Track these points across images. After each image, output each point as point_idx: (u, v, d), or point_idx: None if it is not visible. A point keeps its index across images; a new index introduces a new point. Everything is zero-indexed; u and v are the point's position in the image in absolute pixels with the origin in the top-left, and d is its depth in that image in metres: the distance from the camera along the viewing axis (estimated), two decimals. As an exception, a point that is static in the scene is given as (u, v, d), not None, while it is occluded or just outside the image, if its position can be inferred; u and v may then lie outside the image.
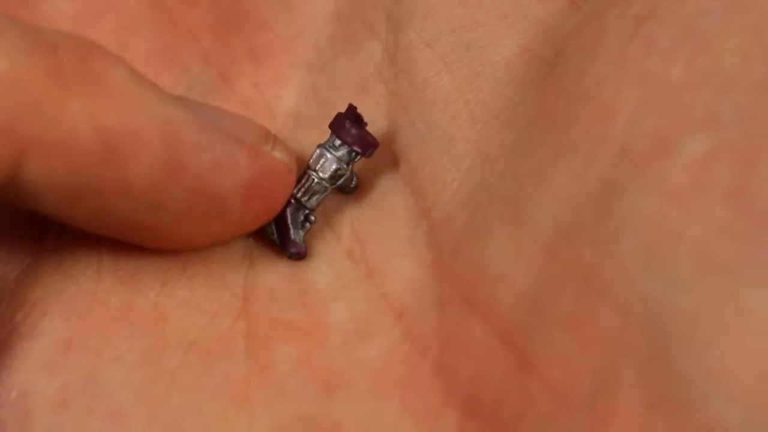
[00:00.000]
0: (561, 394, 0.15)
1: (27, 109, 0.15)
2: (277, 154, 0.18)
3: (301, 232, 0.19)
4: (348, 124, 0.19)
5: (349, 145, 0.19)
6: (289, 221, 0.19)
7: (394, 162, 0.19)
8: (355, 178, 0.19)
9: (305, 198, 0.19)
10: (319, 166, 0.19)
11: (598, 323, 0.15)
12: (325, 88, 0.20)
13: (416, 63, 0.19)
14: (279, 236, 0.19)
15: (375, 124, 0.19)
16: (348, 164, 0.19)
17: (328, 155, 0.19)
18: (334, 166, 0.19)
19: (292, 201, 0.19)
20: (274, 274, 0.19)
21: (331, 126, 0.19)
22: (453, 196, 0.18)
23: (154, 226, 0.17)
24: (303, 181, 0.19)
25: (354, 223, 0.19)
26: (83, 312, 0.18)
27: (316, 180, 0.19)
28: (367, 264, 0.18)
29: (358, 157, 0.19)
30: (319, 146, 0.19)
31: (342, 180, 0.19)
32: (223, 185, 0.17)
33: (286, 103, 0.20)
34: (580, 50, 0.17)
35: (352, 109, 0.19)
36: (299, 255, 0.19)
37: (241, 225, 0.18)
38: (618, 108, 0.16)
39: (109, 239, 0.19)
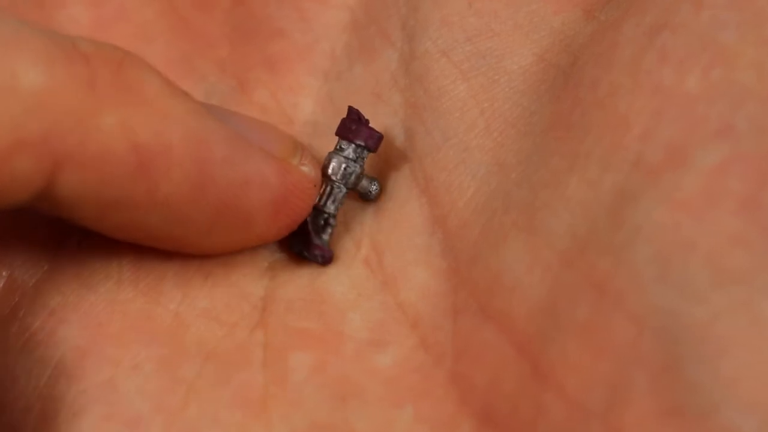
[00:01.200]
0: (575, 403, 0.15)
1: (63, 122, 0.16)
2: (305, 168, 0.18)
3: (325, 237, 0.19)
4: (348, 123, 0.19)
5: (352, 141, 0.19)
6: (310, 227, 0.19)
7: (410, 171, 0.19)
8: (375, 184, 0.19)
9: (322, 203, 0.19)
10: (330, 170, 0.19)
11: (612, 333, 0.15)
12: (342, 96, 0.20)
13: (432, 71, 0.19)
14: (303, 244, 0.19)
15: (391, 132, 0.19)
16: (356, 161, 0.19)
17: (337, 157, 0.19)
18: (343, 166, 0.19)
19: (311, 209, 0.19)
20: (293, 285, 0.19)
21: (336, 133, 0.19)
22: (468, 204, 0.18)
23: (180, 237, 0.18)
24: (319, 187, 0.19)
25: (371, 232, 0.19)
26: (102, 321, 0.18)
27: (330, 184, 0.19)
28: (384, 273, 0.19)
29: (365, 152, 0.19)
30: (329, 153, 0.19)
31: (354, 178, 0.19)
32: (251, 201, 0.17)
33: (303, 111, 0.20)
34: (595, 60, 0.17)
35: (352, 110, 0.19)
36: (325, 258, 0.19)
37: (265, 237, 0.18)
38: (632, 118, 0.16)
39: (130, 248, 0.19)
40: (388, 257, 0.19)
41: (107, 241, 0.19)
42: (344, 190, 0.19)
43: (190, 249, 0.18)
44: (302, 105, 0.20)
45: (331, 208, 0.19)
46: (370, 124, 0.19)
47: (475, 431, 0.16)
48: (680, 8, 0.16)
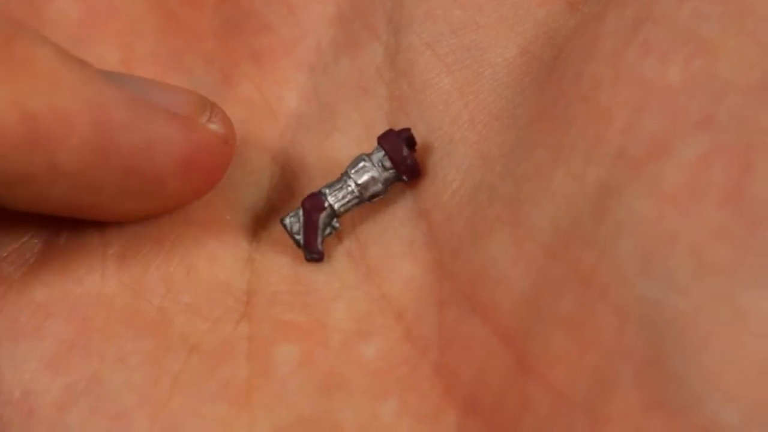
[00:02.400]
0: (560, 395, 0.15)
1: None
2: (213, 126, 0.18)
3: (321, 237, 0.19)
4: (405, 151, 0.18)
5: (402, 172, 0.19)
6: (320, 225, 0.19)
7: None
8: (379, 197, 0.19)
9: (338, 206, 0.19)
10: (362, 180, 0.19)
11: (597, 325, 0.15)
12: (327, 89, 0.20)
13: (417, 65, 0.19)
14: (304, 237, 0.19)
15: (375, 126, 0.19)
16: (385, 183, 0.19)
17: (374, 173, 0.19)
18: (378, 187, 0.19)
19: (327, 208, 0.19)
20: (276, 276, 0.19)
21: (382, 143, 0.19)
22: (453, 196, 0.18)
23: (92, 205, 0.17)
24: (339, 187, 0.19)
25: (354, 224, 0.19)
26: (87, 315, 0.18)
27: (352, 192, 0.19)
28: (367, 264, 0.19)
29: (397, 180, 0.19)
30: (365, 158, 0.19)
31: (373, 196, 0.19)
32: (157, 163, 0.17)
33: (288, 104, 0.20)
34: (578, 52, 0.17)
35: (407, 132, 0.19)
36: (318, 260, 0.19)
37: (180, 199, 0.18)
38: (615, 111, 0.16)
39: (115, 239, 0.19)
40: (372, 249, 0.19)
41: (93, 235, 0.19)
42: (361, 204, 0.19)
43: (106, 216, 0.18)
44: (287, 98, 0.20)
45: (341, 212, 0.19)
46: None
47: (460, 423, 0.16)
48: (662, 0, 0.16)
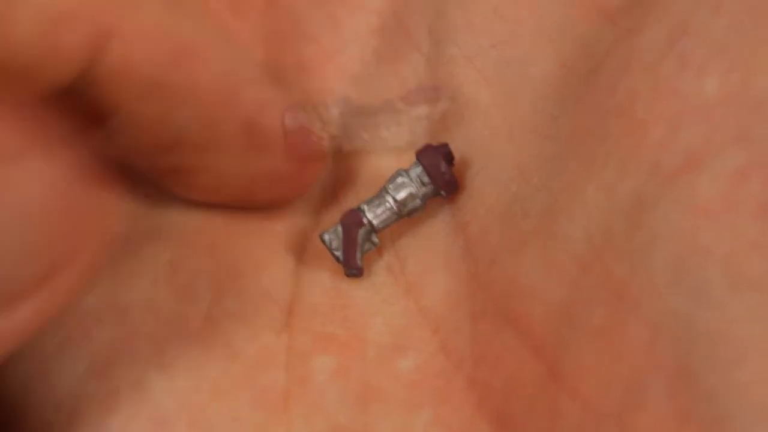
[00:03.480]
0: (590, 405, 0.15)
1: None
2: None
3: (360, 253, 0.19)
4: (444, 167, 0.18)
5: (440, 187, 0.19)
6: (359, 241, 0.19)
7: None
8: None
9: (376, 221, 0.19)
10: (400, 197, 0.19)
11: (628, 337, 0.15)
12: (368, 99, 0.20)
13: (457, 77, 0.19)
14: (343, 253, 0.19)
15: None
16: (422, 198, 0.19)
17: (412, 189, 0.19)
18: (417, 203, 0.19)
19: (366, 224, 0.19)
20: (318, 289, 0.19)
21: (420, 158, 0.19)
22: (489, 210, 0.18)
23: (205, 146, 0.18)
24: (377, 203, 0.19)
25: (393, 238, 0.19)
26: (136, 320, 0.18)
27: (390, 208, 0.19)
28: (406, 279, 0.19)
29: (435, 195, 0.19)
30: (402, 173, 0.19)
31: (414, 214, 0.19)
32: (269, 124, 0.18)
33: (332, 114, 0.21)
34: (615, 66, 0.17)
35: (446, 147, 0.19)
36: (357, 275, 0.19)
37: (276, 172, 0.19)
38: (650, 123, 0.16)
39: (167, 248, 0.19)
40: (411, 264, 0.19)
41: (145, 241, 0.19)
42: (398, 217, 0.19)
43: (209, 176, 0.18)
44: (330, 108, 0.21)
45: (379, 227, 0.19)
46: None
47: None
48: (699, 14, 0.16)
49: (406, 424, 0.17)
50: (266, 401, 0.18)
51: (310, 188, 0.19)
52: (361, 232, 0.19)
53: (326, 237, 0.19)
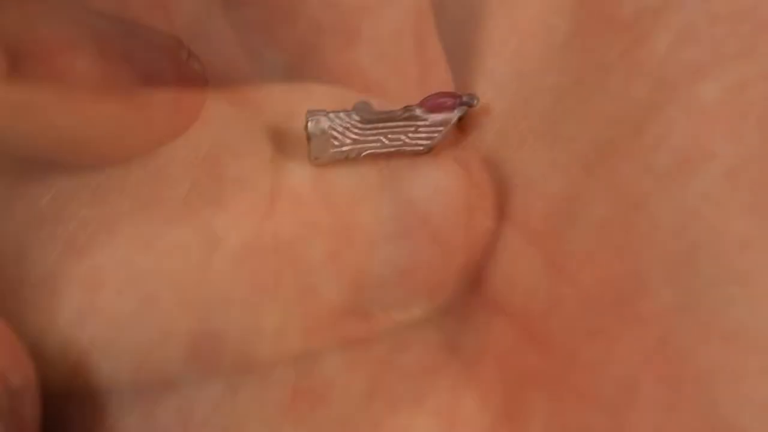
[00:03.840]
0: (589, 294, 0.16)
1: None
2: (195, 65, 0.19)
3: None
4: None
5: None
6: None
7: (421, 75, 0.20)
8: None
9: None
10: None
11: (629, 230, 0.16)
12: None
13: None
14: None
15: (402, 38, 0.20)
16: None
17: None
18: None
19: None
20: (299, 177, 0.19)
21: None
22: (484, 108, 0.19)
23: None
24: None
25: None
26: (111, 200, 0.18)
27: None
28: (392, 171, 0.19)
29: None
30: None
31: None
32: (155, 94, 0.18)
33: (309, 9, 0.20)
34: None
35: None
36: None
37: (161, 138, 0.18)
38: (657, 35, 0.17)
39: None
40: (396, 157, 0.19)
41: None
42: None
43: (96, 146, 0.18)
44: (308, 3, 0.21)
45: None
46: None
47: (488, 320, 0.17)
48: None
49: (402, 307, 0.17)
50: (258, 282, 0.18)
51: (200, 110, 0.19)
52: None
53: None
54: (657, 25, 0.17)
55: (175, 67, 0.18)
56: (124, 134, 0.18)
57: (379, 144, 0.19)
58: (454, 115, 0.19)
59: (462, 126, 0.19)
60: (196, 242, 0.18)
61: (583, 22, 0.18)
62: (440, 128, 0.19)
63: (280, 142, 0.20)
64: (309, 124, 0.19)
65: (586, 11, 0.18)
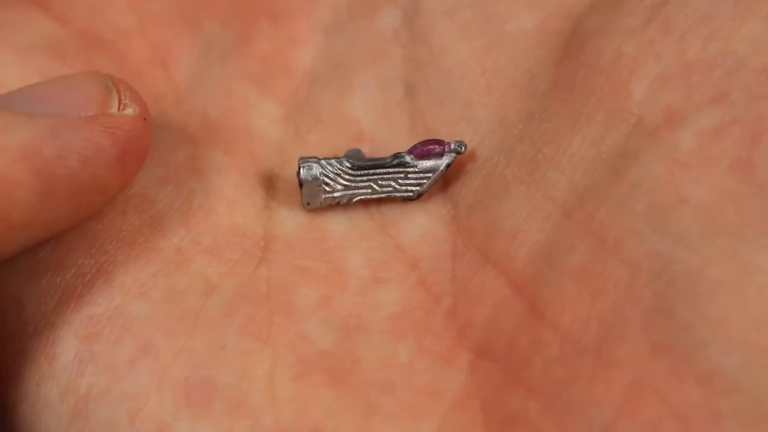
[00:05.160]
0: (569, 338, 0.16)
1: None
2: (128, 110, 0.18)
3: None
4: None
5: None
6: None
7: (410, 123, 0.20)
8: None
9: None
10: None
11: (607, 276, 0.16)
12: (342, 49, 0.21)
13: (435, 30, 0.20)
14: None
15: (390, 86, 0.20)
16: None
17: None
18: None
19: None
20: (292, 224, 0.20)
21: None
22: (469, 155, 0.19)
23: (50, 228, 0.18)
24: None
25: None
26: (108, 249, 0.19)
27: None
28: (382, 216, 0.20)
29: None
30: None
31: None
32: (98, 171, 0.18)
33: (303, 63, 0.21)
34: (598, 28, 0.18)
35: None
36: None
37: (122, 185, 0.18)
38: (634, 83, 0.17)
39: (135, 184, 0.19)
40: (386, 205, 0.20)
41: None
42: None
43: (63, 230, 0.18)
44: (302, 57, 0.21)
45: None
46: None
47: (473, 363, 0.17)
48: None
49: (390, 351, 0.18)
50: (251, 330, 0.18)
51: (149, 145, 0.19)
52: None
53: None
54: (634, 73, 0.18)
55: (112, 135, 0.18)
56: (79, 214, 0.18)
57: (369, 190, 0.19)
58: (442, 162, 0.19)
59: (450, 172, 0.19)
60: (191, 290, 0.18)
61: (563, 70, 0.19)
62: (429, 174, 0.19)
63: (274, 189, 0.20)
64: (301, 170, 0.19)
65: (568, 59, 0.19)
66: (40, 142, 0.17)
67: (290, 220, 0.20)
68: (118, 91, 0.18)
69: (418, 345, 0.18)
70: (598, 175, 0.17)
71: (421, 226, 0.19)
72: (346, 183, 0.20)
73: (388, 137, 0.20)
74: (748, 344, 0.15)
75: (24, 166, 0.17)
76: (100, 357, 0.18)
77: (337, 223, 0.20)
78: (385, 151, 0.20)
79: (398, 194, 0.19)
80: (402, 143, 0.20)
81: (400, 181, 0.20)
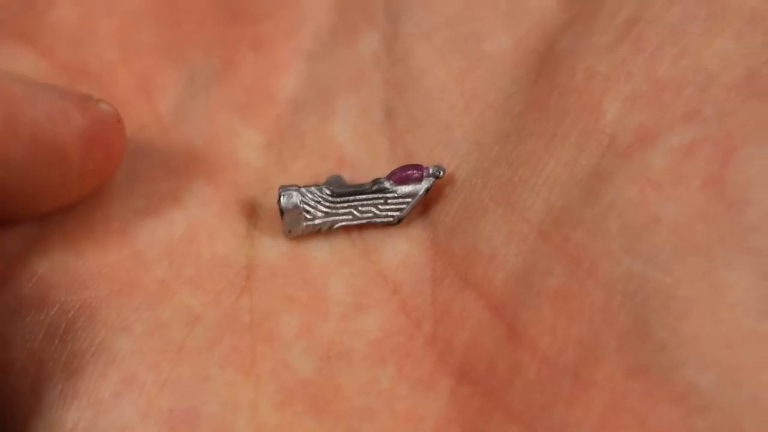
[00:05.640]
0: (548, 361, 0.16)
1: None
2: (104, 106, 0.19)
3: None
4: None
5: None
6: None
7: (390, 147, 0.20)
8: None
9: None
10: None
11: (584, 298, 0.16)
12: (325, 75, 0.21)
13: (413, 53, 0.20)
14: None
15: (372, 111, 0.20)
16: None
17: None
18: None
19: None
20: (275, 252, 0.20)
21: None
22: (448, 179, 0.19)
23: (7, 169, 0.18)
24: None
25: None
26: (90, 285, 0.19)
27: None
28: (364, 242, 0.20)
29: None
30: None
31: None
32: (61, 134, 0.18)
33: (287, 89, 0.21)
34: (571, 47, 0.18)
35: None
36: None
37: (85, 176, 0.19)
38: (606, 103, 0.17)
39: (116, 215, 0.19)
40: (367, 230, 0.20)
41: (95, 212, 0.20)
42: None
43: (15, 201, 0.19)
44: (286, 84, 0.21)
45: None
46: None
47: (454, 388, 0.17)
48: (653, 2, 0.17)
49: (372, 378, 0.18)
50: (234, 360, 0.18)
51: (122, 151, 0.19)
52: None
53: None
54: (606, 92, 0.17)
55: (83, 106, 0.18)
56: (34, 176, 0.18)
57: (350, 216, 0.20)
58: (421, 187, 0.19)
59: (430, 196, 0.19)
60: (175, 322, 0.19)
61: (538, 90, 0.19)
62: (408, 200, 0.19)
63: (256, 217, 0.20)
64: (281, 198, 0.19)
65: (543, 79, 0.19)
66: (13, 81, 0.17)
67: (273, 249, 0.20)
68: (97, 98, 0.19)
69: (399, 371, 0.18)
70: (572, 197, 0.17)
71: (401, 251, 0.19)
72: (326, 210, 0.20)
73: (369, 162, 0.20)
74: (720, 362, 0.15)
75: None
76: (85, 392, 0.18)
77: (318, 250, 0.20)
78: (367, 177, 0.20)
79: (379, 220, 0.20)
80: (382, 168, 0.20)
81: (380, 206, 0.20)
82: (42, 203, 0.19)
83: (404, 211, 0.19)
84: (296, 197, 0.19)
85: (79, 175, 0.19)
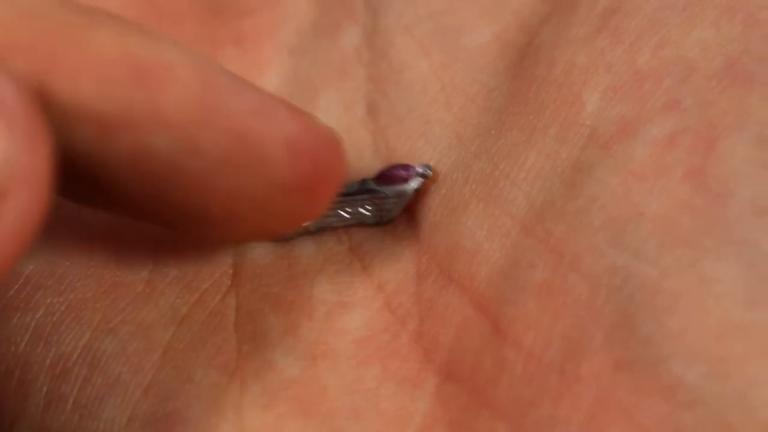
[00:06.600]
0: (533, 357, 0.16)
1: (52, 29, 0.14)
2: (321, 122, 0.17)
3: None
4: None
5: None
6: None
7: (372, 141, 0.20)
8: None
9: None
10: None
11: (568, 292, 0.16)
12: (307, 71, 0.21)
13: (394, 47, 0.20)
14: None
15: (354, 106, 0.20)
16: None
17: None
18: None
19: None
20: (260, 251, 0.20)
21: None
22: (434, 173, 0.19)
23: (193, 174, 0.16)
24: None
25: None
26: (76, 286, 0.19)
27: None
28: (350, 240, 0.19)
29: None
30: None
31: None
32: (264, 133, 0.16)
33: (269, 86, 0.21)
34: (551, 39, 0.18)
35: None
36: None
37: (290, 192, 0.16)
38: (586, 95, 0.17)
39: (101, 220, 0.19)
40: (355, 229, 0.20)
41: (79, 211, 0.20)
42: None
43: (208, 201, 0.16)
44: (269, 80, 0.21)
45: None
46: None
47: (439, 386, 0.17)
48: None
49: (357, 377, 0.18)
50: (219, 361, 0.18)
51: (339, 176, 0.17)
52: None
53: None
54: (586, 84, 0.17)
55: (294, 115, 0.16)
56: (228, 174, 0.16)
57: (338, 218, 0.19)
58: (409, 187, 0.19)
59: (417, 194, 0.19)
60: (160, 323, 0.18)
61: (519, 83, 0.19)
62: (396, 200, 0.19)
63: None
64: None
65: (523, 72, 0.19)
66: (217, 70, 0.16)
67: (259, 248, 0.20)
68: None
69: (384, 370, 0.18)
70: (554, 190, 0.17)
71: (386, 248, 0.19)
72: None
73: (351, 156, 0.20)
74: (708, 355, 0.15)
75: (193, 70, 0.15)
76: (70, 395, 0.18)
77: (304, 248, 0.20)
78: (350, 171, 0.20)
79: (367, 221, 0.19)
80: (365, 163, 0.20)
81: (368, 207, 0.19)
82: (241, 217, 0.17)
83: (393, 211, 0.19)
84: None
85: (281, 187, 0.16)
